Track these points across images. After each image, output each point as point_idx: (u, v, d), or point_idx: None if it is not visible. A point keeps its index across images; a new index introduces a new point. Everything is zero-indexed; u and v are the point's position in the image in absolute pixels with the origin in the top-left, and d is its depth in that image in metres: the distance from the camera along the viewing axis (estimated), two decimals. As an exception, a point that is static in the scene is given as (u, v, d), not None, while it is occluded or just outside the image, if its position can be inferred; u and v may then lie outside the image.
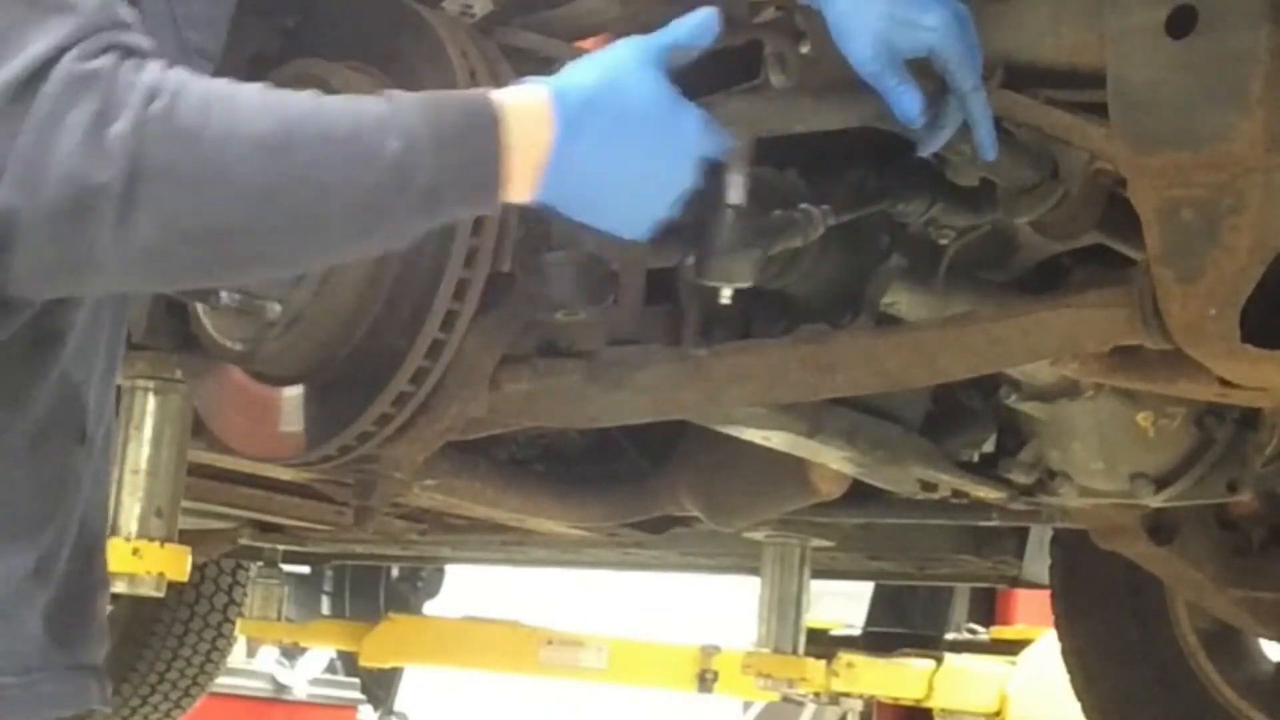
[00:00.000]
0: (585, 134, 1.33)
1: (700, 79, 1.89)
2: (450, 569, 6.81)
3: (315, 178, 1.22)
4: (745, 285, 1.78)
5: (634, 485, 2.58)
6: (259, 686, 6.78)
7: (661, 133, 1.38)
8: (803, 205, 1.82)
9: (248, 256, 1.26)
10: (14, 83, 1.15)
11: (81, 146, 1.14)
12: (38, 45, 1.16)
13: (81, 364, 1.39)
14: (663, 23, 1.83)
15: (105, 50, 1.18)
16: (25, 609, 1.37)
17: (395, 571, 7.01)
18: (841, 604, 5.78)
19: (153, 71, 1.19)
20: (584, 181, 1.35)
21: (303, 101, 1.26)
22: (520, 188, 1.32)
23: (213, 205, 1.19)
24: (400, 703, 7.84)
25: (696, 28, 1.46)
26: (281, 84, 1.89)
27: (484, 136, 1.29)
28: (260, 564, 4.85)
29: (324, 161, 1.23)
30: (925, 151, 1.64)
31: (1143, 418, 2.21)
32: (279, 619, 4.91)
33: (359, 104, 1.28)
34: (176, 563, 2.51)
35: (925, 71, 1.58)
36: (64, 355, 1.36)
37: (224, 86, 1.23)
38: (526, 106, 1.31)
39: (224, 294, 1.98)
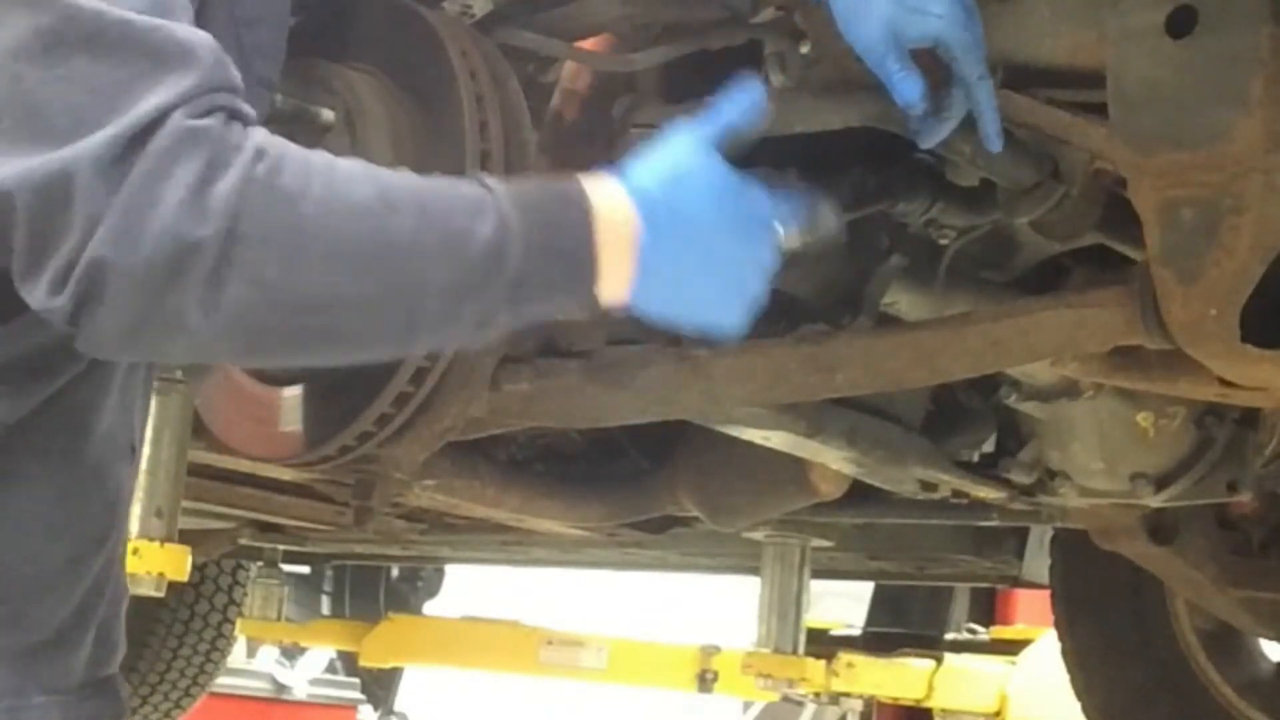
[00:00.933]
0: (667, 235, 1.30)
1: (700, 79, 1.90)
2: (450, 569, 6.81)
3: (412, 252, 1.20)
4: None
5: (634, 485, 2.58)
6: (259, 686, 6.77)
7: (739, 221, 1.35)
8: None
9: (336, 330, 1.22)
10: (124, 137, 1.13)
11: (183, 203, 1.13)
12: (152, 100, 1.14)
13: (132, 379, 1.40)
14: (663, 22, 1.83)
15: (214, 110, 1.16)
16: (85, 625, 1.38)
17: (395, 571, 7.01)
18: (841, 604, 5.78)
19: (258, 135, 1.18)
20: (673, 283, 1.32)
21: (399, 176, 1.24)
22: (613, 288, 1.29)
23: (307, 273, 1.17)
24: (400, 703, 7.84)
25: (748, 111, 1.42)
26: (281, 83, 1.90)
27: (578, 231, 1.27)
28: (260, 564, 4.85)
29: (421, 236, 1.20)
30: (927, 144, 1.64)
31: (1143, 418, 2.21)
32: (279, 619, 4.91)
33: (454, 184, 1.26)
34: (176, 563, 2.51)
35: (930, 63, 1.58)
36: (119, 373, 1.37)
37: (324, 155, 1.22)
38: (614, 206, 1.29)
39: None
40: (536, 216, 1.25)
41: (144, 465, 2.47)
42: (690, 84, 1.91)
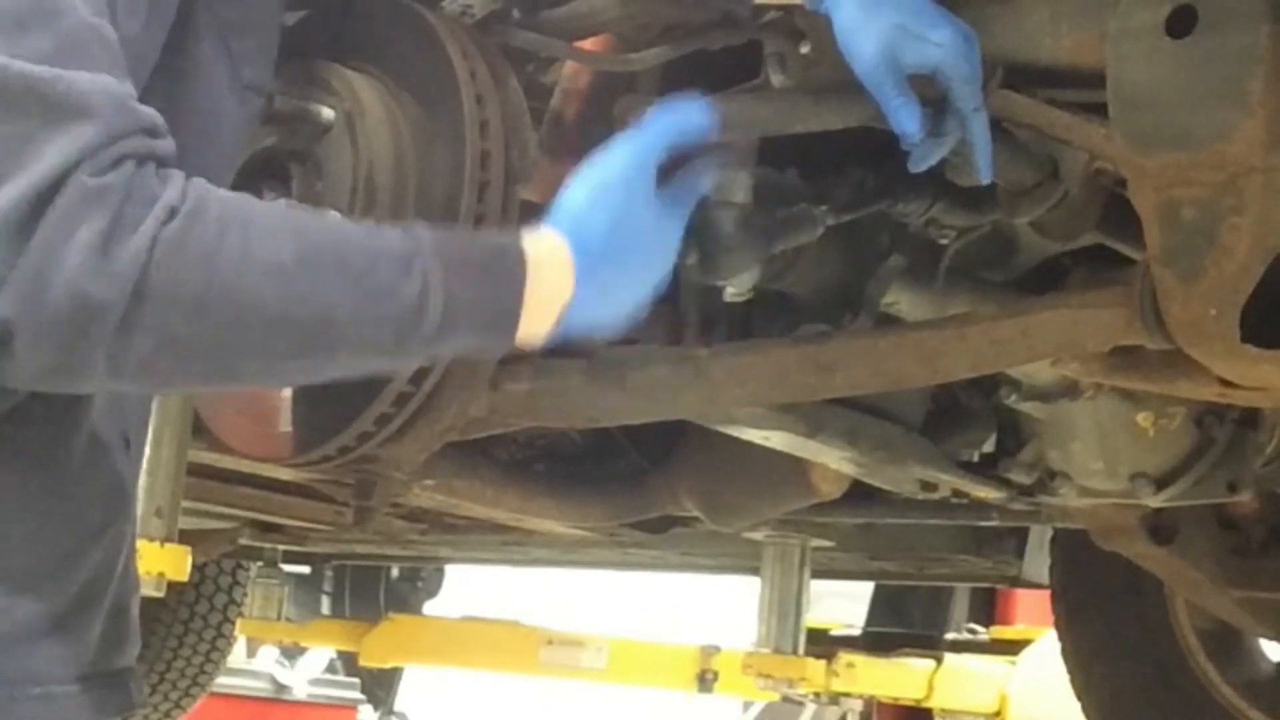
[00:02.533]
0: (597, 279, 1.36)
1: (700, 79, 1.90)
2: (450, 569, 6.81)
3: (325, 311, 1.21)
4: (750, 284, 1.78)
5: (634, 485, 2.58)
6: (259, 686, 6.78)
7: (656, 252, 1.42)
8: (802, 205, 1.82)
9: (243, 375, 1.25)
10: (25, 200, 1.12)
11: (87, 264, 1.12)
12: (52, 159, 1.13)
13: None
14: (663, 22, 1.83)
15: (122, 160, 1.15)
16: (86, 617, 1.38)
17: (395, 571, 7.01)
18: (841, 604, 5.78)
19: (173, 188, 1.17)
20: (592, 318, 1.38)
21: (323, 228, 1.26)
22: (533, 333, 1.34)
23: (215, 331, 1.18)
24: (400, 703, 7.84)
25: (692, 129, 1.46)
26: (281, 83, 1.90)
27: (507, 286, 1.30)
28: (260, 564, 4.85)
29: (336, 295, 1.21)
30: (919, 167, 1.63)
31: (1143, 418, 2.21)
32: (279, 619, 4.91)
33: (380, 237, 1.27)
34: (176, 563, 2.51)
35: (926, 89, 1.58)
36: None
37: (243, 204, 1.21)
38: (552, 261, 1.33)
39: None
40: (464, 274, 1.28)
41: (144, 465, 2.47)
42: (690, 84, 1.90)
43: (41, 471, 1.33)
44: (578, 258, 1.34)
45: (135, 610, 1.48)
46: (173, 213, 1.16)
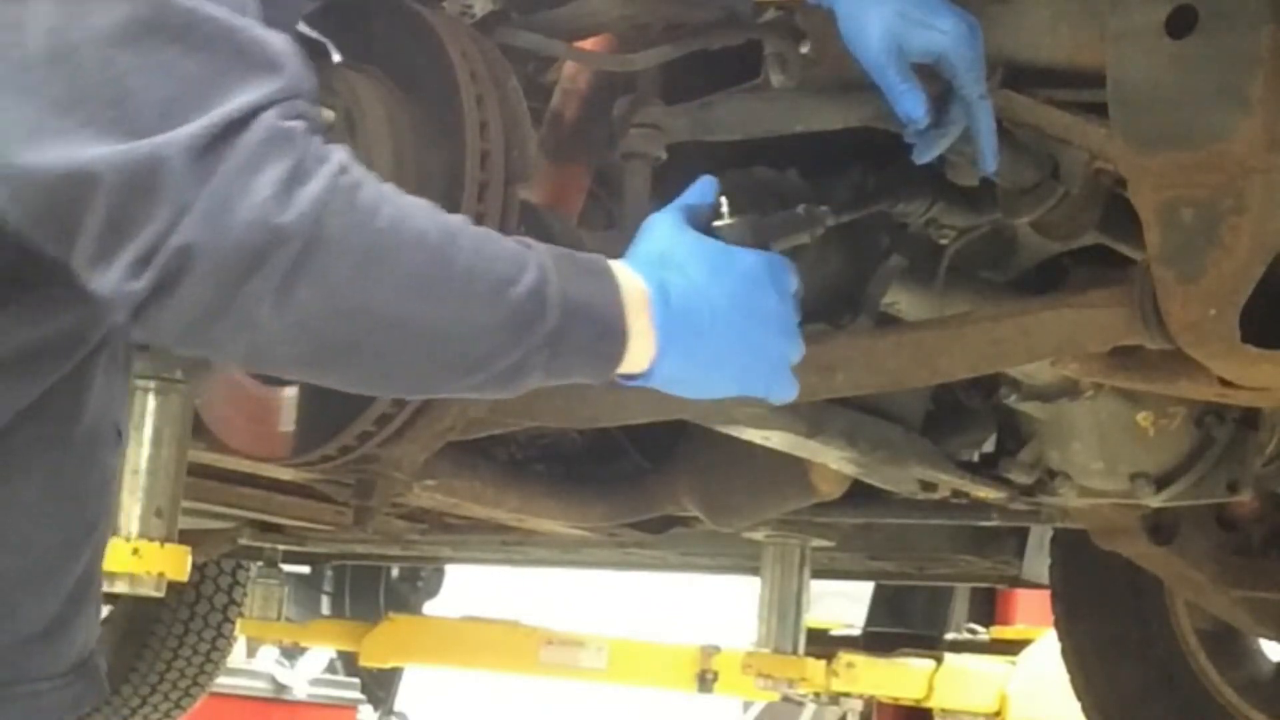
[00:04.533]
0: (678, 305, 1.34)
1: (700, 79, 1.90)
2: (450, 569, 6.81)
3: (468, 288, 1.23)
4: None
5: (634, 485, 2.58)
6: (259, 686, 6.77)
7: (738, 281, 1.39)
8: (802, 205, 1.82)
9: (389, 353, 1.24)
10: (217, 128, 1.14)
11: (272, 199, 1.14)
12: (242, 97, 1.16)
13: (113, 363, 1.41)
14: (663, 22, 1.83)
15: (298, 116, 1.18)
16: (77, 613, 1.39)
17: (395, 571, 7.01)
18: (841, 604, 5.78)
19: (340, 151, 1.20)
20: (690, 352, 1.36)
21: (452, 217, 1.26)
22: (637, 357, 1.33)
23: (375, 288, 1.19)
24: (400, 703, 7.84)
25: (702, 191, 1.47)
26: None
27: (609, 296, 1.30)
28: (260, 564, 4.85)
29: (475, 275, 1.23)
30: (923, 159, 1.64)
31: (1143, 418, 2.21)
32: (279, 619, 4.91)
33: (496, 234, 1.29)
34: (176, 563, 2.51)
35: (930, 79, 1.58)
36: (105, 356, 1.38)
37: (391, 186, 1.24)
38: (631, 279, 1.33)
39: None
40: (572, 276, 1.28)
41: (144, 465, 2.47)
42: (690, 84, 1.91)
43: (45, 468, 1.33)
44: (649, 281, 1.33)
45: (100, 599, 1.48)
46: (345, 170, 1.19)
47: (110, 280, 1.15)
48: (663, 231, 1.40)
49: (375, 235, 1.18)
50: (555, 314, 1.26)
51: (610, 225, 1.79)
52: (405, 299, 1.20)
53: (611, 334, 1.31)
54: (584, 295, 1.28)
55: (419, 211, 1.23)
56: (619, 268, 1.33)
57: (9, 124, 1.15)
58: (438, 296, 1.22)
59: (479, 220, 1.88)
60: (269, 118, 1.16)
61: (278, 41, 1.21)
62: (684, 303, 1.34)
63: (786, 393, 1.44)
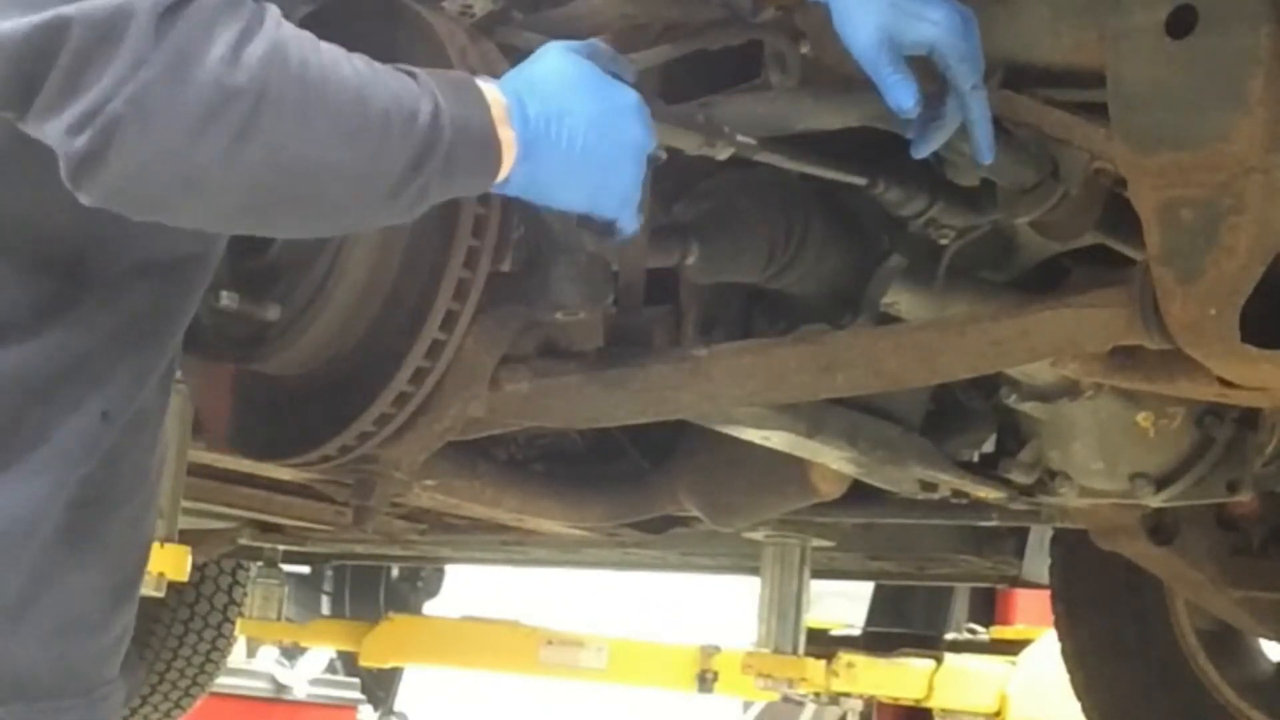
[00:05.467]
0: (537, 117, 1.43)
1: (700, 79, 1.90)
2: (450, 569, 6.82)
3: (386, 126, 1.31)
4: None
5: (634, 485, 2.58)
6: (259, 686, 6.78)
7: (602, 103, 1.48)
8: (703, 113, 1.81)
9: (322, 197, 1.32)
10: None
11: (224, 59, 1.20)
12: None
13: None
14: (663, 22, 1.83)
15: None
16: (127, 609, 1.46)
17: (395, 571, 7.01)
18: (841, 604, 5.79)
19: (275, 11, 1.28)
20: (549, 163, 1.44)
21: (359, 59, 1.34)
22: (505, 166, 1.41)
23: (312, 138, 1.27)
24: (400, 703, 7.85)
25: (618, 58, 1.57)
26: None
27: (483, 115, 1.39)
28: (260, 564, 4.85)
29: (389, 113, 1.31)
30: (920, 154, 1.64)
31: (1143, 418, 2.21)
32: (279, 619, 4.92)
33: (392, 70, 1.36)
34: (176, 563, 2.51)
35: (925, 73, 1.58)
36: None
37: (310, 35, 1.31)
38: (494, 95, 1.42)
39: (224, 294, 1.98)
40: (455, 100, 1.37)
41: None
42: (690, 84, 1.91)
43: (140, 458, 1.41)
44: (510, 96, 1.42)
45: None
46: (279, 25, 1.26)
47: (55, 129, 1.20)
48: (549, 57, 1.49)
49: (309, 89, 1.26)
50: (448, 137, 1.35)
51: (609, 233, 1.79)
52: (338, 145, 1.28)
53: (489, 148, 1.40)
54: (465, 116, 1.37)
55: (338, 59, 1.31)
56: (483, 84, 1.42)
57: None
58: (364, 139, 1.30)
59: (479, 221, 1.88)
60: None
61: None
62: (543, 116, 1.43)
63: (631, 222, 1.54)
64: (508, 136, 1.41)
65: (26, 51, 1.17)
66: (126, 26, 1.17)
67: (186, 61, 1.19)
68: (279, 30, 1.26)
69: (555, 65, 1.49)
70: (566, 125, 1.45)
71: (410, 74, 1.37)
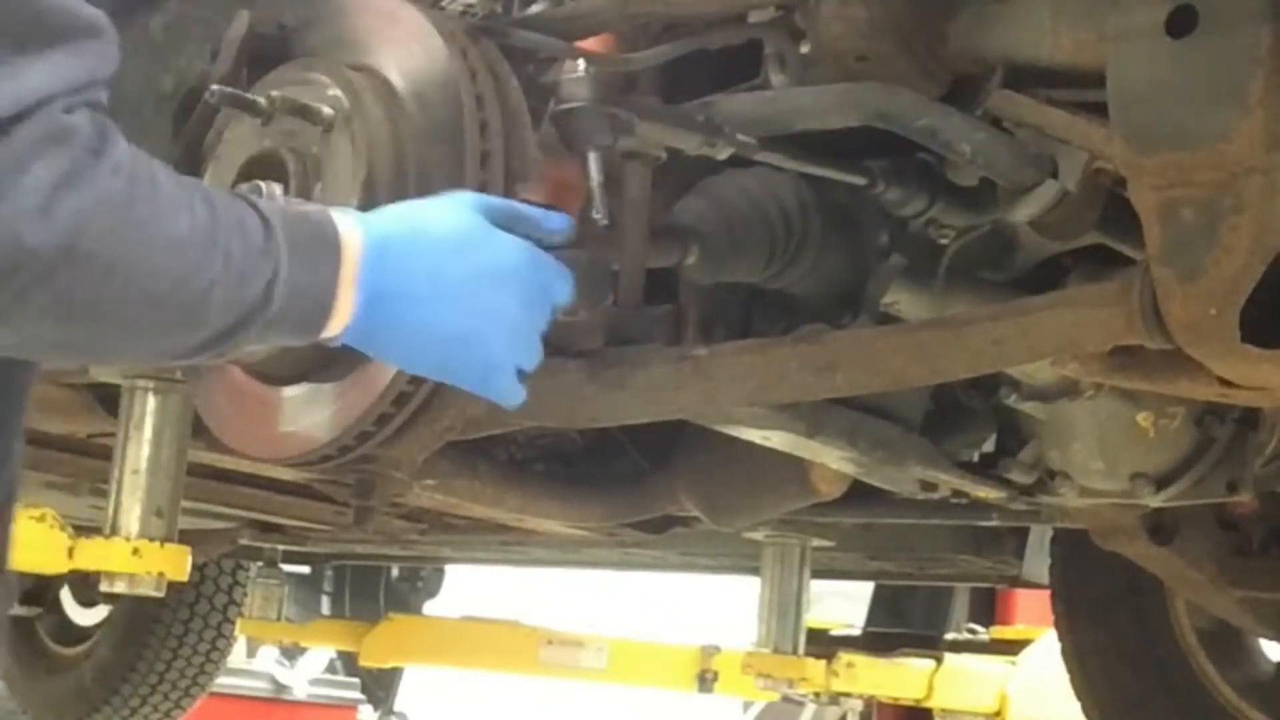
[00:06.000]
0: (395, 274, 1.32)
1: (700, 79, 1.90)
2: (450, 569, 6.82)
3: (207, 296, 1.20)
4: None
5: (634, 485, 2.58)
6: (259, 686, 6.78)
7: (470, 258, 1.37)
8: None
9: (114, 349, 1.24)
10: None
11: (35, 208, 1.08)
12: (33, 81, 1.09)
13: None
14: (663, 21, 1.82)
15: (88, 105, 1.12)
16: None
17: (395, 571, 7.02)
18: (841, 604, 5.79)
19: (119, 147, 1.15)
20: (399, 326, 1.34)
21: (202, 201, 1.21)
22: (337, 324, 1.31)
23: (117, 301, 1.15)
24: (400, 703, 7.85)
25: (547, 226, 1.48)
26: (281, 84, 1.90)
27: (328, 275, 1.29)
28: (260, 564, 4.86)
29: (215, 283, 1.20)
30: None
31: (1143, 418, 2.21)
32: (279, 619, 4.92)
33: (242, 216, 1.25)
34: (176, 563, 2.51)
35: None
36: None
37: (157, 173, 1.19)
38: (351, 242, 1.31)
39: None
40: (301, 259, 1.26)
41: (144, 465, 2.47)
42: (690, 84, 1.91)
43: None
44: (370, 243, 1.31)
45: None
46: (117, 173, 1.13)
47: None
48: (447, 202, 1.40)
49: (130, 250, 1.14)
50: (277, 305, 1.24)
51: (610, 224, 1.79)
52: (143, 311, 1.18)
53: (320, 314, 1.29)
54: (307, 280, 1.27)
55: (178, 207, 1.18)
56: (345, 226, 1.31)
57: None
58: (175, 306, 1.19)
59: (479, 220, 1.88)
60: (53, 111, 1.09)
61: (96, 13, 1.13)
62: (399, 274, 1.32)
63: (507, 397, 1.44)
64: (347, 299, 1.30)
65: None
66: None
67: None
68: (111, 175, 1.12)
69: (434, 219, 1.37)
70: (427, 288, 1.34)
71: (265, 223, 1.24)
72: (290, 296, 1.25)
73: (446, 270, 1.35)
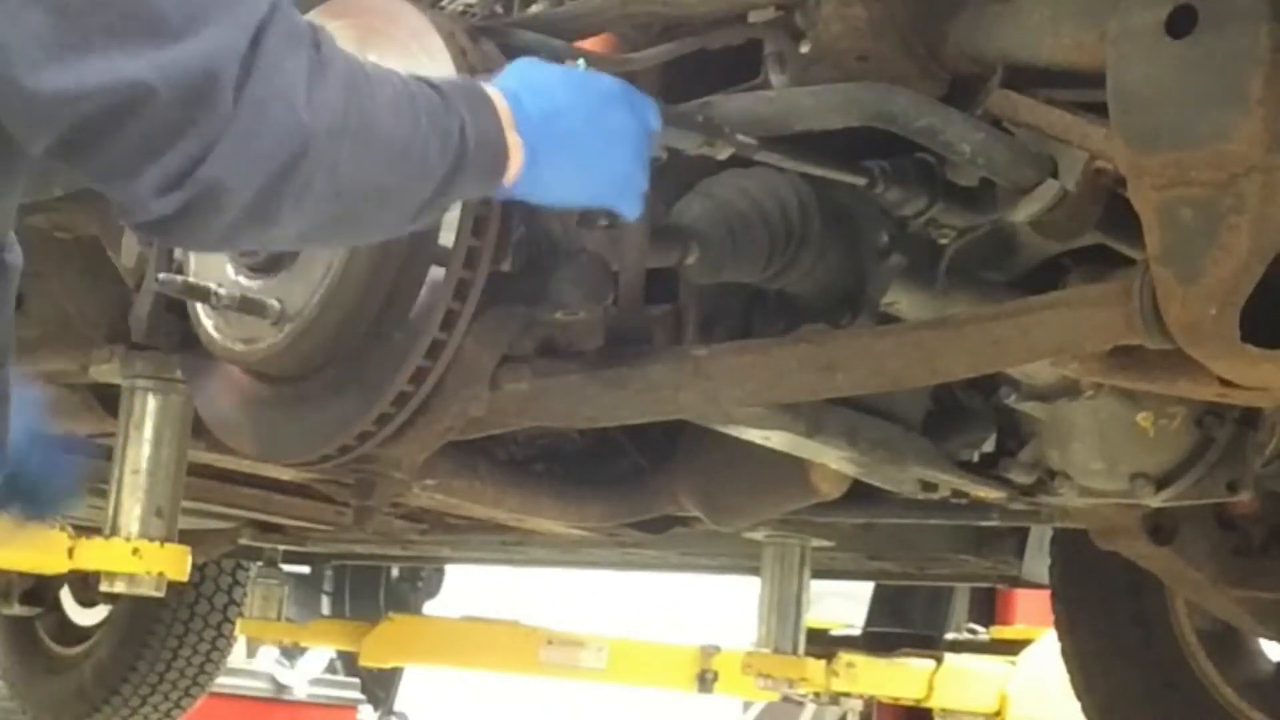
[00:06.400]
0: (535, 116, 1.47)
1: (700, 79, 1.90)
2: (450, 569, 6.81)
3: (426, 147, 1.34)
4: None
5: (634, 485, 2.58)
6: (259, 686, 6.78)
7: (596, 99, 1.53)
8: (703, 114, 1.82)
9: (370, 217, 1.35)
10: (249, 31, 1.18)
11: (303, 99, 1.21)
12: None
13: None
14: (663, 21, 1.82)
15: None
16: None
17: (395, 571, 7.01)
18: (841, 604, 5.78)
19: (325, 32, 1.28)
20: (551, 161, 1.48)
21: (395, 75, 1.36)
22: (512, 171, 1.45)
23: (369, 166, 1.29)
24: (400, 703, 7.85)
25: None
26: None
27: (496, 123, 1.43)
28: (260, 564, 4.85)
29: (427, 134, 1.34)
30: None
31: (1143, 418, 2.21)
32: (279, 619, 4.92)
33: (422, 85, 1.38)
34: (176, 563, 2.51)
35: None
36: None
37: (347, 52, 1.31)
38: (500, 101, 1.45)
39: (223, 293, 1.98)
40: (474, 114, 1.40)
41: (144, 465, 2.47)
42: (690, 84, 1.91)
43: None
44: (509, 99, 1.45)
45: None
46: (336, 55, 1.27)
47: (135, 195, 1.18)
48: (525, 64, 1.54)
49: (366, 117, 1.28)
50: (472, 150, 1.38)
51: (610, 224, 1.79)
52: (386, 170, 1.31)
53: (500, 157, 1.44)
54: (484, 126, 1.41)
55: (383, 79, 1.32)
56: (488, 89, 1.45)
57: (19, 40, 1.13)
58: (407, 162, 1.33)
59: (479, 221, 1.88)
60: (285, 11, 1.22)
61: None
62: (542, 117, 1.47)
63: (633, 208, 1.59)
64: (515, 142, 1.44)
65: (96, 113, 1.14)
66: (212, 92, 1.15)
67: (265, 112, 1.18)
68: (338, 59, 1.26)
69: (533, 69, 1.53)
70: (564, 123, 1.49)
71: (435, 88, 1.38)
72: (478, 143, 1.39)
73: (574, 100, 1.50)
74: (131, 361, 2.46)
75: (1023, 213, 1.77)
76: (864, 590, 5.69)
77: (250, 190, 1.19)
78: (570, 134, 1.49)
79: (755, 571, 3.83)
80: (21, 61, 1.13)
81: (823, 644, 4.64)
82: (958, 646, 5.31)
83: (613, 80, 1.58)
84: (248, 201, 1.20)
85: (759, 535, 3.53)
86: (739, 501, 2.50)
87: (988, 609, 5.92)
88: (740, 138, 1.73)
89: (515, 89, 1.47)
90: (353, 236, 1.44)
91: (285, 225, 1.26)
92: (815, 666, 4.10)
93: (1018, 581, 3.72)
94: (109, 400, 2.69)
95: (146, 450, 2.46)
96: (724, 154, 1.75)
